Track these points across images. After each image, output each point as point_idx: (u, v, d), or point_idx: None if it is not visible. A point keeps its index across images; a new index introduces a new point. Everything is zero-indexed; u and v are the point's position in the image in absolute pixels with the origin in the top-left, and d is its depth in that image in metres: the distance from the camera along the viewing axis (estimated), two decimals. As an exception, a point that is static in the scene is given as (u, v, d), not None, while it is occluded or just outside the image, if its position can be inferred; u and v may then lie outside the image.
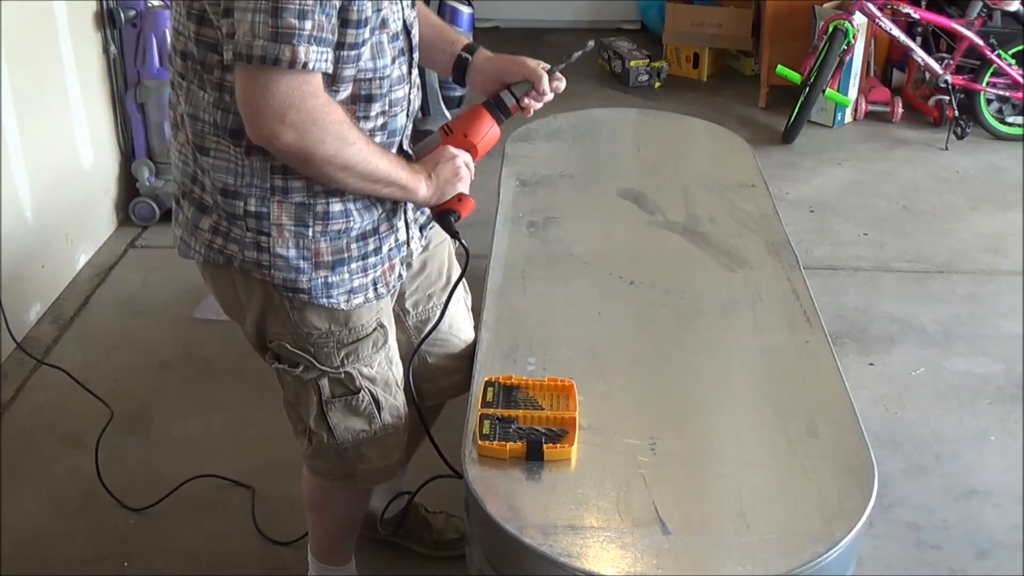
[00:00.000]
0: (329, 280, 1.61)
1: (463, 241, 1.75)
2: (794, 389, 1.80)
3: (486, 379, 1.73)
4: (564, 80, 1.78)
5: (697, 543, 1.48)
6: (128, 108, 3.66)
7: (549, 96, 1.76)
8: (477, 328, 1.95)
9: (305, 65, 1.38)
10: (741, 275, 2.12)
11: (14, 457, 2.62)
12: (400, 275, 1.74)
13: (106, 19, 3.52)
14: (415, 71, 1.69)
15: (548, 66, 1.77)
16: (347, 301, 1.64)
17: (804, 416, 1.71)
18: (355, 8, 1.44)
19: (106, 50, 3.58)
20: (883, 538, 2.37)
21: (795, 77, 4.54)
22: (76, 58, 3.39)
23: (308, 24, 1.37)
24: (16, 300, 3.02)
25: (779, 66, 4.59)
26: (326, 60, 1.42)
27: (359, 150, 1.50)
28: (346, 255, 1.62)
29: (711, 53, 5.25)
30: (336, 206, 1.59)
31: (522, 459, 1.60)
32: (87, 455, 2.56)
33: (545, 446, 1.59)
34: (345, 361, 1.69)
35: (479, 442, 1.61)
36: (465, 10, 4.06)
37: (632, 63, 5.15)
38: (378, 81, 1.56)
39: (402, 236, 1.72)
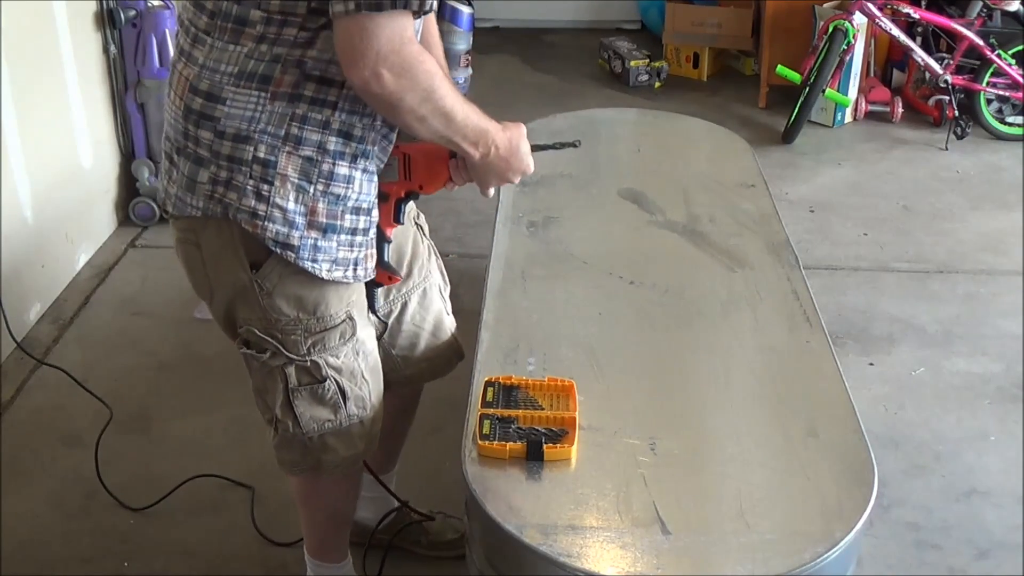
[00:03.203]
0: (318, 244, 1.62)
1: (379, 315, 1.85)
2: (794, 389, 1.80)
3: (486, 379, 1.73)
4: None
5: (697, 543, 1.48)
6: (128, 108, 3.66)
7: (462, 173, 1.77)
8: (477, 328, 1.95)
9: (408, 4, 1.45)
10: (741, 275, 2.12)
11: (14, 457, 2.62)
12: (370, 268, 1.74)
13: (106, 19, 3.52)
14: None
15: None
16: (328, 271, 1.64)
17: (804, 416, 1.71)
18: None
19: (106, 50, 3.58)
20: (883, 538, 2.37)
21: (795, 77, 4.54)
22: (76, 58, 3.39)
23: None
24: (16, 300, 3.02)
25: (779, 66, 4.59)
26: (430, 5, 1.50)
27: (444, 97, 1.54)
28: (338, 223, 1.62)
29: (711, 53, 5.25)
30: (342, 169, 1.60)
31: (522, 459, 1.60)
32: (87, 455, 2.56)
33: (545, 446, 1.59)
34: (312, 350, 1.70)
35: (479, 442, 1.61)
36: (465, 10, 4.06)
37: (632, 63, 5.15)
38: None
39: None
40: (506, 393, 1.71)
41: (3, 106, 2.97)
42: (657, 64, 5.19)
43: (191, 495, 2.48)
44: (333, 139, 1.58)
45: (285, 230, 1.59)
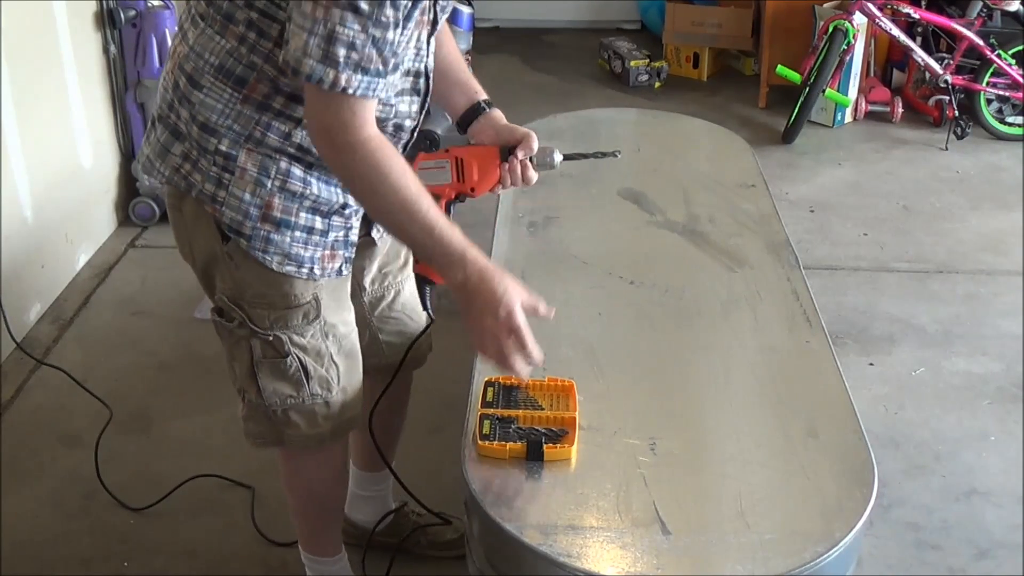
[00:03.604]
0: (270, 236, 1.64)
1: (431, 312, 1.83)
2: (794, 389, 1.79)
3: (486, 379, 1.73)
4: (534, 174, 1.82)
5: (697, 543, 1.48)
6: (128, 108, 3.67)
7: (518, 171, 1.80)
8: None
9: (345, 90, 1.45)
10: (741, 275, 2.12)
11: (14, 457, 2.62)
12: (340, 270, 1.75)
13: (106, 19, 3.52)
14: (422, 115, 1.74)
15: (552, 149, 1.81)
16: (279, 264, 1.66)
17: (804, 416, 1.71)
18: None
19: (106, 50, 3.58)
20: (883, 538, 2.37)
21: (795, 77, 4.54)
22: (76, 58, 3.40)
23: (355, 55, 1.44)
24: (16, 300, 3.02)
25: (779, 66, 4.59)
26: (371, 89, 1.47)
27: (396, 199, 1.52)
28: (292, 219, 1.64)
29: (711, 53, 5.25)
30: (298, 171, 1.63)
31: (522, 459, 1.60)
32: (87, 455, 2.56)
33: (545, 446, 1.59)
34: (274, 325, 1.72)
35: (479, 442, 1.61)
36: (465, 10, 4.06)
37: (632, 63, 5.15)
38: (381, 106, 1.62)
39: (353, 237, 1.75)
40: (506, 393, 1.71)
41: (3, 106, 2.97)
42: (657, 64, 5.19)
43: (191, 495, 2.48)
44: (292, 149, 1.62)
45: (239, 218, 1.63)
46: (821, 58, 4.42)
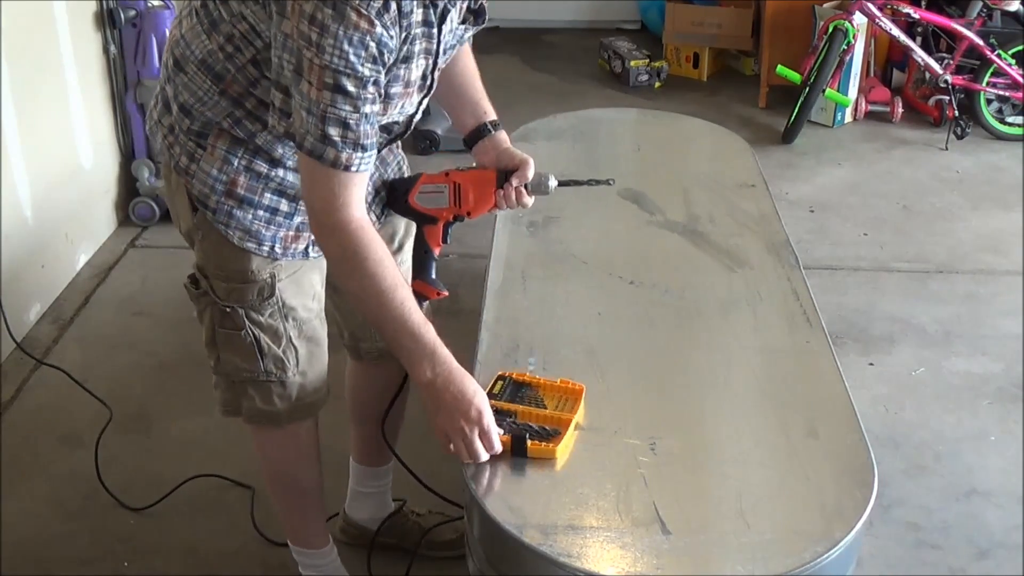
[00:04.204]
0: (233, 212, 1.70)
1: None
2: (794, 389, 1.80)
3: (499, 372, 1.75)
4: (530, 200, 1.84)
5: (697, 543, 1.48)
6: (128, 108, 3.66)
7: (512, 197, 1.82)
8: (477, 328, 1.95)
9: (348, 168, 1.53)
10: (741, 275, 2.12)
11: (14, 457, 2.62)
12: (307, 252, 1.78)
13: (106, 19, 3.52)
14: (423, 105, 1.78)
15: (547, 175, 1.83)
16: (240, 240, 1.71)
17: (804, 416, 1.71)
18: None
19: (106, 50, 3.58)
20: (883, 538, 2.37)
21: (795, 77, 4.54)
22: (76, 58, 3.40)
23: (351, 135, 1.52)
24: (16, 300, 3.02)
25: (779, 66, 4.59)
26: (366, 165, 1.56)
27: (371, 285, 1.59)
28: (256, 198, 1.70)
29: (711, 53, 5.25)
30: (261, 160, 1.69)
31: (522, 459, 1.60)
32: (87, 455, 2.56)
33: (530, 443, 1.59)
34: (230, 297, 1.77)
35: None
36: (465, 10, 4.05)
37: (632, 63, 5.15)
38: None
39: None
40: (515, 388, 1.72)
41: (3, 106, 2.97)
42: (657, 64, 5.19)
43: (191, 495, 2.48)
44: (254, 145, 1.68)
45: (206, 191, 1.70)
46: (821, 58, 4.42)
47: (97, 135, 3.57)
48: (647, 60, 5.17)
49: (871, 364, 3.02)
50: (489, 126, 1.89)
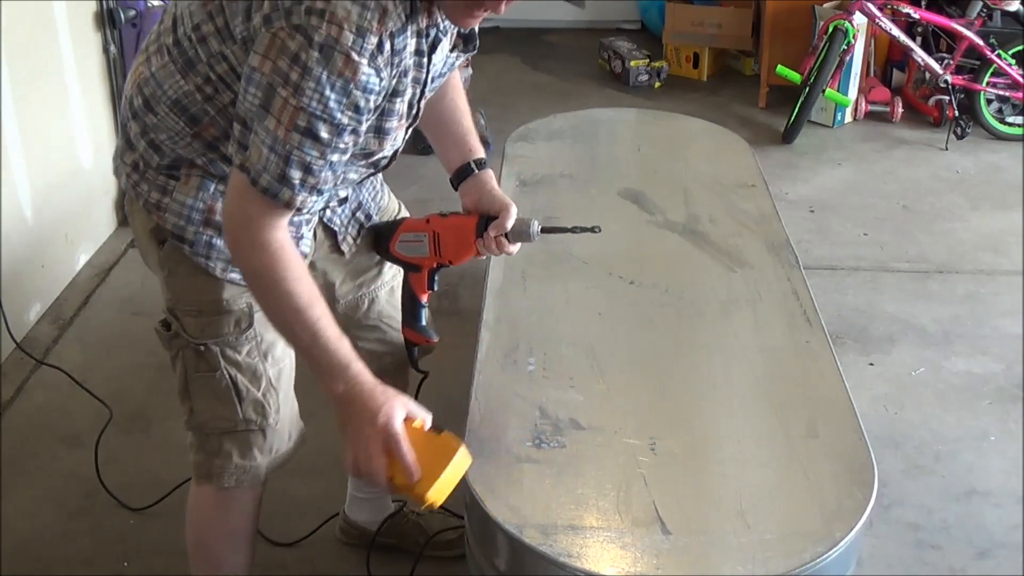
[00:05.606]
0: (213, 241, 1.63)
1: (419, 369, 1.87)
2: (794, 389, 1.80)
3: None
4: (513, 247, 1.77)
5: (697, 543, 1.48)
6: (128, 108, 3.66)
7: (492, 246, 1.75)
8: (477, 328, 1.95)
9: (298, 209, 1.47)
10: (741, 275, 2.12)
11: (14, 457, 2.62)
12: None
13: (106, 19, 3.52)
14: (370, 179, 1.76)
15: (530, 221, 1.76)
16: (223, 270, 1.64)
17: (804, 416, 1.71)
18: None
19: (106, 50, 3.58)
20: (883, 538, 2.37)
21: (795, 77, 4.54)
22: (76, 58, 3.40)
23: (312, 179, 1.45)
24: (16, 300, 3.02)
25: (779, 66, 4.59)
26: (317, 205, 1.51)
27: (287, 303, 1.49)
28: None
29: (711, 53, 5.25)
30: None
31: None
32: (87, 455, 2.56)
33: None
34: (205, 332, 1.68)
35: None
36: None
37: (632, 63, 5.15)
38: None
39: (306, 248, 1.72)
40: None
41: (3, 106, 2.97)
42: (657, 64, 5.19)
43: (191, 495, 2.48)
44: None
45: (181, 223, 1.63)
46: (821, 58, 4.42)
47: (97, 135, 3.57)
48: (647, 60, 5.17)
49: (871, 364, 3.02)
50: (474, 164, 1.82)
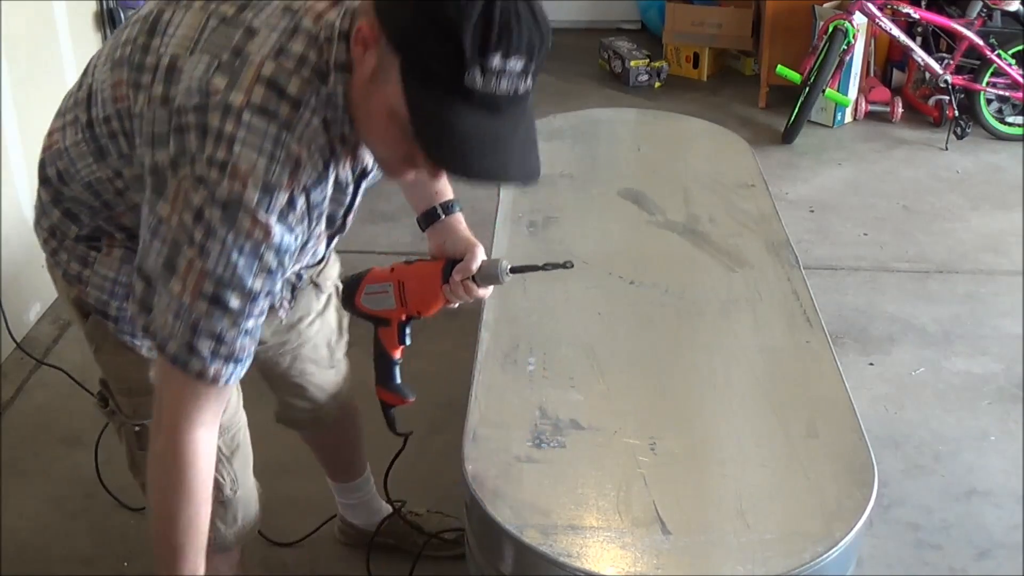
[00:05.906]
0: None
1: (399, 431, 1.75)
2: (794, 389, 1.80)
3: None
4: (483, 291, 1.59)
5: (697, 543, 1.48)
6: (128, 108, 3.66)
7: (460, 291, 1.57)
8: (477, 328, 1.95)
9: (215, 381, 1.29)
10: (741, 275, 2.12)
11: (14, 457, 2.62)
12: None
13: (106, 19, 3.53)
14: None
15: (498, 262, 1.58)
16: (149, 350, 1.47)
17: (804, 416, 1.71)
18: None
19: (106, 50, 3.58)
20: (883, 538, 2.37)
21: (795, 77, 4.54)
22: (76, 58, 3.39)
23: (224, 349, 1.27)
24: (16, 300, 3.02)
25: (779, 66, 4.59)
26: (237, 378, 1.32)
27: (175, 511, 1.35)
28: None
29: (711, 53, 5.25)
30: None
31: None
32: (87, 455, 2.56)
33: None
34: (137, 413, 1.56)
35: None
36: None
37: (632, 63, 5.15)
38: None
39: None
40: None
41: (3, 106, 2.97)
42: (657, 64, 5.19)
43: (191, 495, 2.48)
44: None
45: (104, 298, 1.49)
46: (821, 58, 4.42)
47: (97, 135, 3.57)
48: (647, 60, 5.17)
49: (871, 364, 3.02)
50: (439, 209, 1.66)
